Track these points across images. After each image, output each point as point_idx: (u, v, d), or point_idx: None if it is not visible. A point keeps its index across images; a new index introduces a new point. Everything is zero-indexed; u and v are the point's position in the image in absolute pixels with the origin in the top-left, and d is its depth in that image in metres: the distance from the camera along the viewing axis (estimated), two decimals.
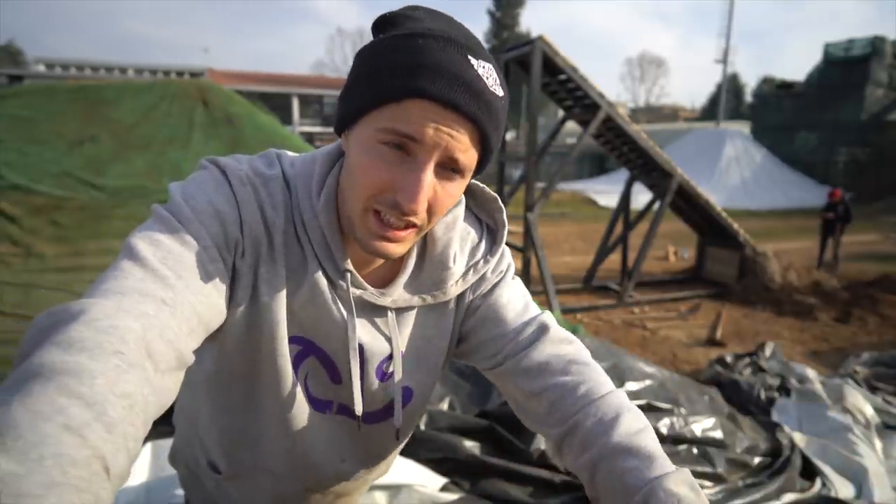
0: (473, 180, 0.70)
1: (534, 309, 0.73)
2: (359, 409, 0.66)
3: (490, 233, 0.74)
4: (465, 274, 0.71)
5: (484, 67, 0.53)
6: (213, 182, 0.59)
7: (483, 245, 0.72)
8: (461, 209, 0.71)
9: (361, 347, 0.66)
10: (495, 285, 0.73)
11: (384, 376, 0.70)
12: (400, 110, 0.52)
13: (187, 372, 0.68)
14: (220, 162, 0.61)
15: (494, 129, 0.56)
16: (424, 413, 0.79)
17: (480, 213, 0.74)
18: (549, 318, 0.71)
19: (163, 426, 1.25)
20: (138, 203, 3.28)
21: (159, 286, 0.49)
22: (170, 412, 0.82)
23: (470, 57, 0.53)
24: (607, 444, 0.58)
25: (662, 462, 0.56)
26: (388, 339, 0.68)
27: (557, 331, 0.69)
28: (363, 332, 0.66)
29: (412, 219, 0.56)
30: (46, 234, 3.18)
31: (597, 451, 0.59)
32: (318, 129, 28.33)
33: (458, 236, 0.70)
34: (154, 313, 0.46)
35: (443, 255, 0.69)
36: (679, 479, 0.53)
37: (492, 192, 0.72)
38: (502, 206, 0.73)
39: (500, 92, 0.55)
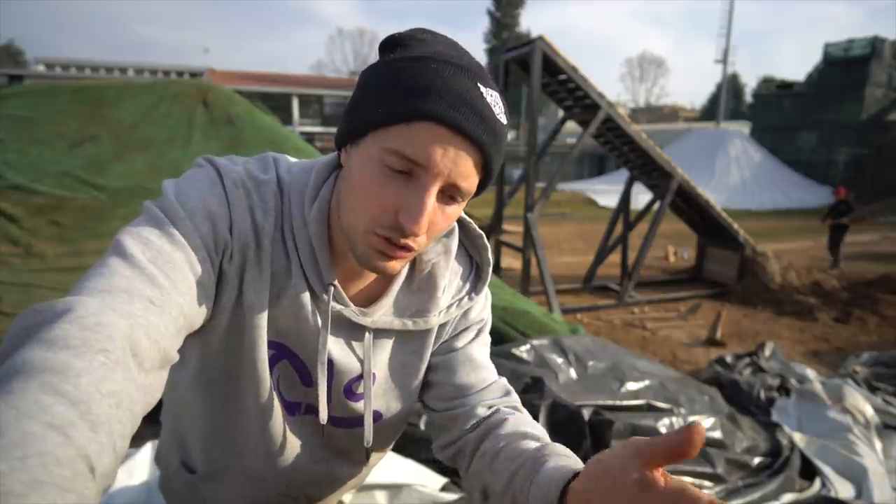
0: (462, 213, 0.71)
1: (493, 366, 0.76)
2: (323, 418, 0.66)
3: (477, 270, 0.74)
4: (450, 307, 0.71)
5: (492, 95, 0.54)
6: (208, 181, 0.58)
7: (469, 282, 0.73)
8: (455, 241, 0.71)
9: (332, 363, 0.66)
10: (477, 332, 0.75)
11: (352, 395, 0.70)
12: (409, 132, 0.51)
13: (173, 370, 0.69)
14: (215, 161, 0.60)
15: (497, 157, 0.56)
16: (400, 433, 0.80)
17: (471, 249, 0.74)
18: (506, 382, 0.76)
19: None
20: (138, 203, 3.26)
21: (147, 285, 0.48)
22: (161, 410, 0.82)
23: (479, 84, 0.53)
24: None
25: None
26: (361, 361, 0.68)
27: (514, 397, 0.74)
28: (337, 348, 0.66)
29: (409, 241, 0.56)
30: (46, 234, 3.18)
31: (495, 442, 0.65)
32: (318, 129, 28.24)
33: (451, 268, 0.71)
34: (141, 313, 0.46)
35: (433, 282, 0.69)
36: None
37: (478, 229, 0.73)
38: (487, 244, 0.73)
39: (504, 120, 0.55)
